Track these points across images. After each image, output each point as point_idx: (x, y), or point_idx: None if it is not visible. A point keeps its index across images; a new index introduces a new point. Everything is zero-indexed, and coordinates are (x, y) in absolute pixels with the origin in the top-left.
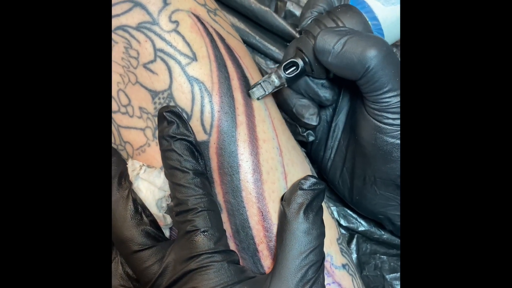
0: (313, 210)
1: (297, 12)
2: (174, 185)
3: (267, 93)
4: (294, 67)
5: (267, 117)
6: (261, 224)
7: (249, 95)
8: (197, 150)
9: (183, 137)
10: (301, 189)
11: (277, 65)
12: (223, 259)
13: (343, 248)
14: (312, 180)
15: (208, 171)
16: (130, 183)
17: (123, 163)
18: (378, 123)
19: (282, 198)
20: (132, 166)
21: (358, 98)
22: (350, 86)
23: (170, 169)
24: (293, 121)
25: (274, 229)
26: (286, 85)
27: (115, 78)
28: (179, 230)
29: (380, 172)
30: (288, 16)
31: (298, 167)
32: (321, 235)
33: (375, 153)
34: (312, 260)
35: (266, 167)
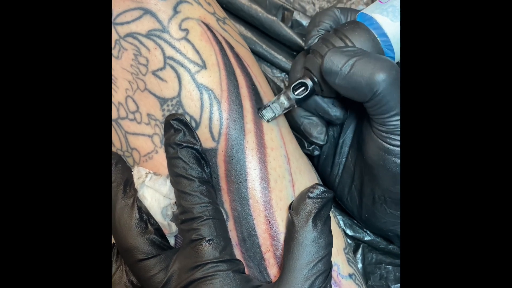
0: (321, 219)
1: (304, 22)
2: (180, 193)
3: (277, 115)
4: (303, 88)
5: (275, 126)
6: (268, 232)
7: (259, 117)
8: (203, 158)
9: (190, 145)
10: (310, 197)
11: (285, 76)
12: (228, 268)
13: (350, 258)
14: (321, 188)
15: (215, 179)
16: (135, 191)
17: (128, 171)
18: (386, 145)
19: (290, 207)
20: (138, 173)
21: (365, 117)
22: (356, 103)
23: (175, 177)
24: (299, 135)
25: (281, 237)
26: (295, 106)
27: (123, 84)
28: (184, 239)
29: (390, 192)
30: (295, 25)
31: (306, 176)
32: (329, 244)
33: (383, 174)
34: (320, 269)
35: (274, 175)
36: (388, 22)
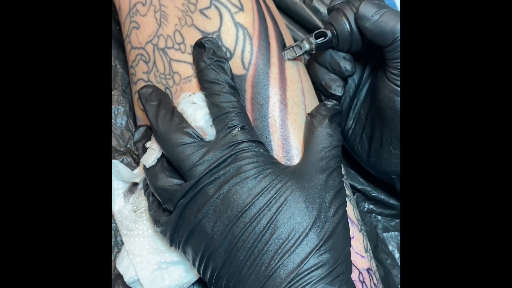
0: (335, 121)
1: (321, 9)
2: (213, 95)
3: (297, 55)
4: (323, 37)
5: (294, 65)
6: (282, 146)
7: (282, 55)
8: (230, 71)
9: (219, 59)
10: (325, 106)
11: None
12: (258, 146)
13: (347, 183)
14: (334, 101)
15: (242, 101)
16: (174, 106)
17: (164, 94)
18: (396, 87)
19: (308, 114)
20: (184, 95)
21: (379, 72)
22: (372, 67)
23: (209, 83)
24: (319, 91)
25: (292, 151)
26: (314, 52)
27: (173, 20)
28: (218, 131)
29: (396, 131)
30: (314, 11)
31: None
32: (341, 140)
33: (392, 115)
34: (334, 154)
35: (291, 101)
36: None
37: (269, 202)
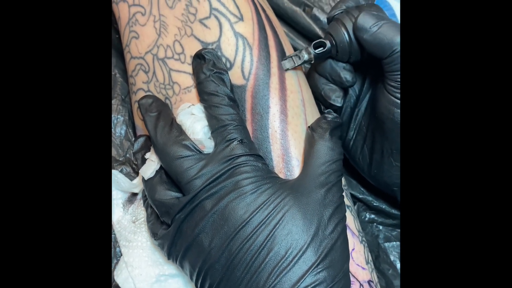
0: (335, 134)
1: (321, 17)
2: (213, 107)
3: (296, 65)
4: (322, 47)
5: (294, 75)
6: (282, 157)
7: (281, 65)
8: (230, 83)
9: (219, 71)
10: (325, 119)
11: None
12: (256, 160)
13: (348, 193)
14: (334, 114)
15: (242, 111)
16: (173, 118)
17: (164, 105)
18: (395, 99)
19: (308, 127)
20: (183, 106)
21: (378, 84)
22: (372, 78)
23: (208, 95)
24: (319, 101)
25: (292, 161)
26: (313, 61)
27: (173, 30)
28: (217, 144)
29: (397, 143)
30: (314, 19)
31: None
32: (341, 153)
33: (392, 127)
34: (334, 168)
35: (292, 112)
36: (398, 5)
37: (266, 218)
